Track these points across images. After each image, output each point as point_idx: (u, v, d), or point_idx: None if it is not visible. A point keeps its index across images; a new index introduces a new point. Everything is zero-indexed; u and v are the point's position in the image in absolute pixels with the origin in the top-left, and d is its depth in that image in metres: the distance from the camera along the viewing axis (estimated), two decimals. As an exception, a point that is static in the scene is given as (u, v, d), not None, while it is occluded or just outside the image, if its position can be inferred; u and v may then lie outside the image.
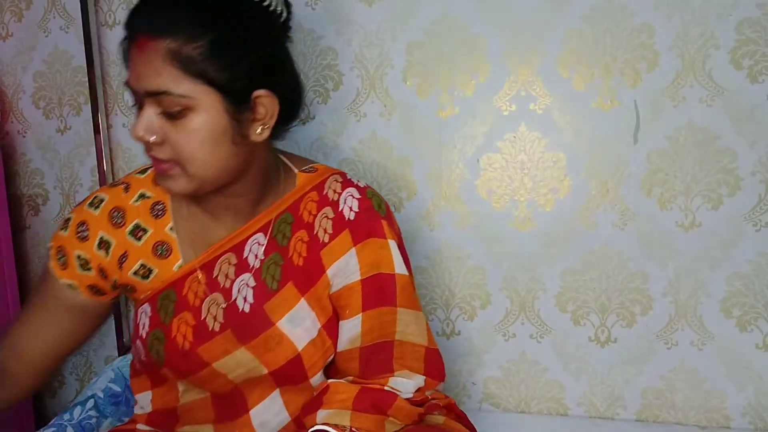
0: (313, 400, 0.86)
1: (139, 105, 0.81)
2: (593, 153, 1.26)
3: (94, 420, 1.20)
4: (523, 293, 1.33)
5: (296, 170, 0.96)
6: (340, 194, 0.94)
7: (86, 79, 1.45)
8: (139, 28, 0.77)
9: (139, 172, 0.95)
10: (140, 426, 0.99)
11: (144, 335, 0.91)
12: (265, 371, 0.89)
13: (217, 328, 0.89)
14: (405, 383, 0.87)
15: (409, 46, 1.30)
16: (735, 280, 1.24)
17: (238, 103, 0.80)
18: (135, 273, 0.91)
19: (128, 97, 1.47)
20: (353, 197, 0.94)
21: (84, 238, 0.90)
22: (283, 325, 0.89)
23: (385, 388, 0.86)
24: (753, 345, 1.25)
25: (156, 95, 0.77)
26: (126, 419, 1.16)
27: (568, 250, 1.30)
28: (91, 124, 1.46)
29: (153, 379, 0.97)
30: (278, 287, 0.90)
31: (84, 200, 0.93)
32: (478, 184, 1.31)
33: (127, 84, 0.80)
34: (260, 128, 0.83)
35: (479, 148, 1.30)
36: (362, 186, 0.97)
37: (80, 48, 1.46)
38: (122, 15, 1.44)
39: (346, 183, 0.96)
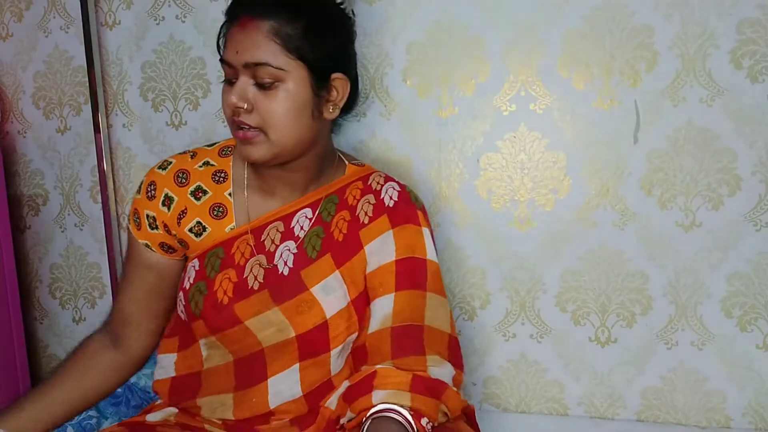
0: (359, 385, 0.87)
1: (229, 80, 0.91)
2: (593, 153, 1.26)
3: (94, 420, 1.20)
4: (523, 293, 1.33)
5: (347, 162, 1.07)
6: (382, 186, 1.05)
7: (86, 79, 1.45)
8: (244, 10, 0.89)
9: (206, 145, 1.05)
10: (150, 417, 1.01)
11: (188, 287, 0.98)
12: (293, 334, 0.95)
13: (256, 287, 0.96)
14: (442, 372, 0.89)
15: (409, 46, 1.30)
16: (735, 280, 1.24)
17: (320, 81, 0.92)
18: (190, 230, 0.99)
19: (129, 97, 1.47)
20: (394, 189, 1.05)
21: (152, 197, 0.99)
22: (317, 291, 0.97)
23: (432, 375, 0.87)
24: (753, 345, 1.25)
25: (255, 66, 0.87)
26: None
27: (568, 250, 1.30)
28: (91, 124, 1.46)
29: (182, 340, 1.03)
30: (317, 257, 0.99)
31: (155, 165, 1.02)
32: (477, 184, 1.31)
33: (223, 60, 0.91)
34: (332, 107, 0.95)
35: (479, 147, 1.30)
36: (402, 183, 1.07)
37: (80, 48, 1.46)
38: (122, 15, 1.44)
39: (388, 178, 1.07)
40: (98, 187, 1.51)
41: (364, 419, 0.82)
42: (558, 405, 1.36)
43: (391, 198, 1.03)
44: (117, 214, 1.50)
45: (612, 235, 1.27)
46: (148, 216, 0.99)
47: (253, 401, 0.97)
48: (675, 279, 1.26)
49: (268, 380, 0.97)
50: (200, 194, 0.99)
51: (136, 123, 1.48)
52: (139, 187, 1.01)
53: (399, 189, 1.05)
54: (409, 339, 0.92)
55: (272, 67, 0.88)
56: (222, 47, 0.93)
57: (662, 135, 1.23)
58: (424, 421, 0.80)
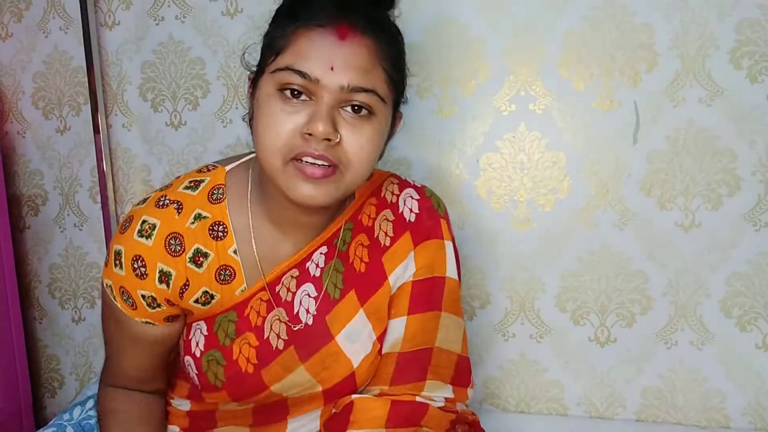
0: (337, 418, 0.84)
1: (289, 93, 0.73)
2: (593, 153, 1.26)
3: (93, 420, 1.20)
4: (523, 293, 1.33)
5: None
6: (398, 196, 0.92)
7: (86, 79, 1.45)
8: (341, 15, 0.72)
9: (186, 188, 0.84)
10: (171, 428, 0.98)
11: (198, 354, 0.85)
12: (320, 389, 0.87)
13: (281, 346, 0.85)
14: (435, 394, 0.87)
15: (409, 46, 1.29)
16: (735, 280, 1.24)
17: (394, 116, 0.81)
18: (196, 301, 0.84)
19: (129, 98, 1.47)
20: (412, 198, 0.92)
21: (143, 276, 0.80)
22: (341, 340, 0.86)
23: (417, 399, 0.85)
24: (753, 345, 1.25)
25: (358, 91, 0.72)
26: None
27: (567, 250, 1.30)
28: (91, 124, 1.46)
29: (193, 396, 0.95)
30: (340, 296, 0.87)
31: (128, 225, 0.82)
32: (477, 184, 1.31)
33: (291, 68, 0.72)
34: (387, 145, 0.83)
35: (479, 148, 1.30)
36: (419, 186, 0.95)
37: (80, 48, 1.46)
38: (122, 15, 1.44)
39: (403, 184, 0.94)
40: (98, 188, 1.50)
41: None
42: (558, 405, 1.36)
43: (411, 210, 0.91)
44: (116, 215, 1.50)
45: (612, 235, 1.27)
46: (144, 297, 0.82)
47: None
48: (675, 279, 1.26)
49: (288, 420, 0.91)
50: (201, 259, 0.82)
51: (136, 123, 1.48)
52: (116, 257, 0.81)
53: (418, 197, 0.92)
54: (413, 364, 0.87)
55: (378, 96, 0.74)
56: (277, 54, 0.74)
57: (662, 135, 1.23)
58: None
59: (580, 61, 1.24)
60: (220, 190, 0.84)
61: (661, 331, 1.28)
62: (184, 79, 1.43)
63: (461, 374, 0.90)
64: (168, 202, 0.82)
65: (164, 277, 0.81)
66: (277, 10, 0.80)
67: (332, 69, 0.71)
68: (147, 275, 0.80)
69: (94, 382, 1.34)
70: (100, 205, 1.51)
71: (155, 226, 0.80)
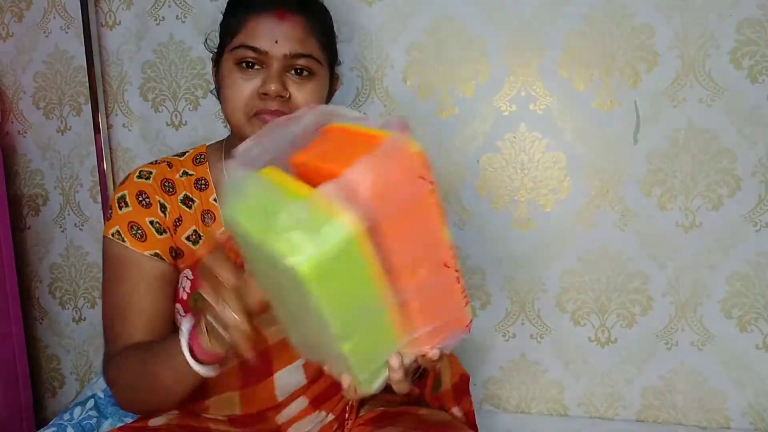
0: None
1: (246, 65, 0.90)
2: (593, 153, 1.26)
3: (94, 420, 1.20)
4: (523, 293, 1.33)
5: None
6: None
7: (86, 79, 1.45)
8: (277, 3, 0.91)
9: (174, 155, 1.02)
10: (152, 422, 0.99)
11: (185, 297, 0.94)
12: None
13: None
14: None
15: (409, 46, 1.30)
16: (735, 280, 1.24)
17: (331, 76, 0.98)
18: (187, 238, 0.95)
19: (129, 98, 1.47)
20: None
21: (148, 205, 0.93)
22: None
23: None
24: (753, 345, 1.25)
25: (298, 57, 0.90)
26: (127, 419, 1.15)
27: (568, 250, 1.30)
28: (91, 124, 1.46)
29: None
30: None
31: (127, 178, 0.96)
32: (477, 184, 1.31)
33: (245, 45, 0.90)
34: (330, 100, 0.99)
35: (479, 148, 1.30)
36: None
37: (80, 48, 1.46)
38: (122, 15, 1.44)
39: None
40: (98, 187, 1.51)
41: None
42: (558, 405, 1.36)
43: None
44: (117, 214, 1.50)
45: (612, 235, 1.27)
46: (152, 223, 0.93)
47: (260, 396, 0.97)
48: (675, 279, 1.26)
49: (274, 376, 0.97)
50: (189, 202, 0.96)
51: (136, 123, 1.48)
52: (121, 202, 0.93)
53: None
54: None
55: (314, 59, 0.92)
56: (233, 35, 0.92)
57: (662, 135, 1.23)
58: None
59: (580, 61, 1.24)
60: (202, 156, 1.01)
61: (662, 331, 1.28)
62: (184, 79, 1.43)
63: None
64: (160, 161, 0.99)
65: (163, 209, 0.94)
66: (229, 2, 0.98)
67: (276, 42, 0.89)
68: (151, 204, 0.93)
69: (94, 382, 1.34)
70: (100, 204, 1.51)
71: (151, 173, 0.96)
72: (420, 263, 0.61)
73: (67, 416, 1.20)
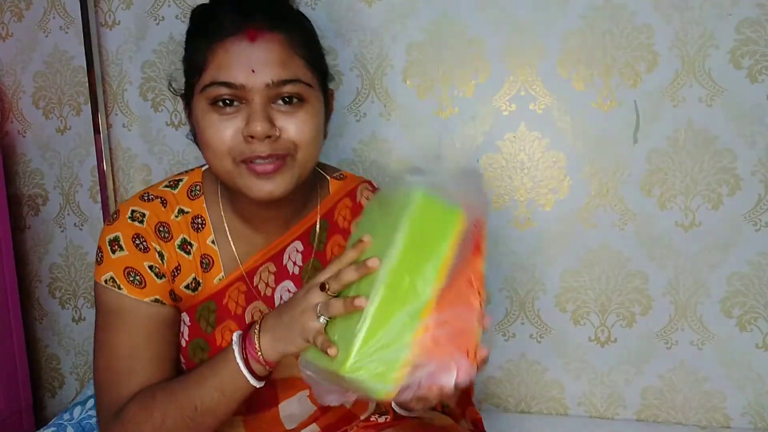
0: None
1: (223, 103, 0.77)
2: (593, 153, 1.26)
3: (94, 420, 1.20)
4: (523, 293, 1.33)
5: (328, 177, 0.97)
6: None
7: (86, 79, 1.45)
8: (245, 20, 0.77)
9: (167, 186, 0.90)
10: None
11: (183, 344, 0.88)
12: None
13: None
14: None
15: (409, 46, 1.30)
16: (735, 280, 1.24)
17: (325, 96, 0.85)
18: (186, 287, 0.87)
19: (129, 97, 1.47)
20: None
21: (146, 249, 0.84)
22: None
23: None
24: (753, 345, 1.25)
25: (282, 84, 0.77)
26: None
27: (567, 250, 1.30)
28: (91, 124, 1.46)
29: None
30: None
31: (117, 217, 0.85)
32: (478, 184, 1.31)
33: (216, 82, 0.77)
34: (328, 123, 0.88)
35: (479, 148, 1.30)
36: None
37: (80, 48, 1.46)
38: (122, 15, 1.44)
39: (376, 191, 0.99)
40: (98, 187, 1.51)
41: None
42: (558, 405, 1.36)
43: None
44: (117, 214, 1.50)
45: (612, 235, 1.27)
46: (151, 267, 0.84)
47: (265, 424, 0.91)
48: (675, 279, 1.26)
49: (279, 405, 0.91)
50: (188, 247, 0.86)
51: (136, 123, 1.48)
52: (112, 246, 0.83)
53: None
54: None
55: (302, 82, 0.78)
56: (200, 72, 0.78)
57: (662, 135, 1.23)
58: None
59: (580, 61, 1.24)
60: (197, 188, 0.90)
61: (661, 331, 1.28)
62: (184, 79, 1.43)
63: None
64: (152, 197, 0.87)
65: (160, 256, 0.85)
66: (188, 32, 0.84)
67: (253, 71, 0.75)
68: (149, 249, 0.84)
69: (94, 382, 1.34)
70: (100, 204, 1.51)
71: (145, 215, 0.85)
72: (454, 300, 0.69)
73: (66, 416, 1.20)
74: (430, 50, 1.29)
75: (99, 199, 1.51)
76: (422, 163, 0.77)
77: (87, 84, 1.46)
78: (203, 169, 0.93)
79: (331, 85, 0.90)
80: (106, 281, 0.83)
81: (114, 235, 0.84)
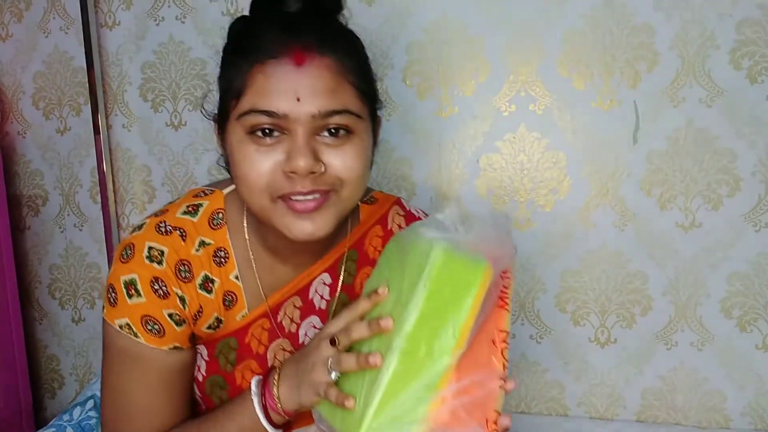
0: None
1: (261, 133, 0.69)
2: (593, 153, 1.26)
3: (93, 420, 1.20)
4: (523, 293, 1.33)
5: (359, 202, 0.87)
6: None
7: (86, 79, 1.45)
8: (291, 39, 0.68)
9: (185, 213, 0.81)
10: None
11: (201, 378, 0.83)
12: None
13: None
14: None
15: (409, 46, 1.30)
16: (735, 280, 1.24)
17: (373, 124, 0.77)
18: (208, 327, 0.81)
19: (129, 98, 1.47)
20: None
21: (165, 295, 0.76)
22: None
23: None
24: (753, 345, 1.25)
25: (329, 115, 0.69)
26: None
27: (567, 250, 1.30)
28: (91, 124, 1.46)
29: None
30: None
31: (131, 253, 0.77)
32: (477, 184, 1.31)
33: (255, 110, 0.68)
34: (375, 150, 0.79)
35: (479, 148, 1.30)
36: (425, 215, 0.94)
37: (80, 49, 1.46)
38: (122, 15, 1.44)
39: (409, 216, 0.92)
40: (98, 188, 1.50)
41: None
42: (558, 405, 1.36)
43: None
44: (116, 215, 1.50)
45: (612, 235, 1.27)
46: (171, 316, 0.77)
47: None
48: (675, 279, 1.26)
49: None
50: (210, 285, 0.79)
51: (136, 124, 1.48)
52: (128, 289, 0.76)
53: None
54: None
55: (352, 113, 0.70)
56: (238, 97, 0.70)
57: (662, 135, 1.23)
58: None
59: (580, 61, 1.24)
60: (220, 215, 0.81)
61: (661, 331, 1.28)
62: (184, 80, 1.43)
63: None
64: (170, 228, 0.78)
65: (181, 300, 0.78)
66: (225, 51, 0.76)
67: (298, 100, 0.67)
68: (169, 295, 0.76)
69: (93, 383, 1.34)
70: (100, 205, 1.51)
71: (164, 253, 0.77)
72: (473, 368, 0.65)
73: (66, 417, 1.20)
74: (430, 50, 1.29)
75: (99, 199, 1.51)
76: (447, 207, 0.69)
77: (87, 84, 1.46)
78: (225, 192, 0.83)
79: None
80: (120, 326, 0.76)
81: (130, 277, 0.75)
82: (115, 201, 1.50)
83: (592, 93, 1.24)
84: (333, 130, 0.70)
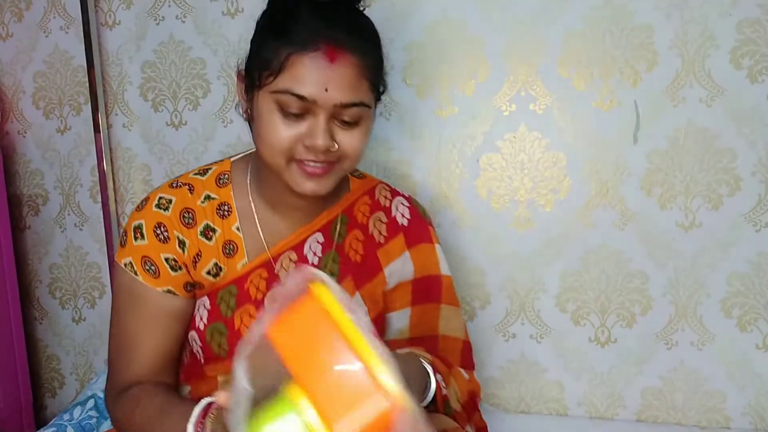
0: None
1: (290, 113, 0.81)
2: (593, 153, 1.26)
3: (94, 420, 1.20)
4: (523, 293, 1.33)
5: (349, 175, 1.03)
6: (391, 201, 1.04)
7: (86, 79, 1.45)
8: (325, 37, 0.79)
9: (196, 174, 0.96)
10: None
11: (202, 327, 0.92)
12: None
13: None
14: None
15: (409, 46, 1.30)
16: (735, 280, 1.24)
17: (375, 106, 0.90)
18: (208, 272, 0.92)
19: (129, 97, 1.47)
20: (403, 205, 1.05)
21: (165, 240, 0.89)
22: None
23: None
24: (753, 345, 1.25)
25: (348, 107, 0.82)
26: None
27: (567, 250, 1.30)
28: (91, 124, 1.46)
29: (194, 375, 0.96)
30: (337, 281, 0.90)
31: (145, 204, 0.91)
32: (477, 184, 1.31)
33: (291, 92, 0.80)
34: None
35: (479, 148, 1.30)
36: (406, 195, 1.07)
37: (80, 48, 1.46)
38: (122, 15, 1.44)
39: (394, 192, 1.06)
40: (98, 187, 1.51)
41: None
42: (558, 405, 1.36)
43: (403, 216, 1.03)
44: (117, 214, 1.50)
45: (612, 235, 1.27)
46: (167, 260, 0.89)
47: None
48: (675, 279, 1.26)
49: None
50: (210, 233, 0.92)
51: (136, 123, 1.48)
52: (135, 233, 0.89)
53: (408, 205, 1.05)
54: (423, 347, 0.96)
55: (365, 106, 0.84)
56: (276, 74, 0.81)
57: (662, 135, 1.23)
58: (438, 376, 0.86)
59: (580, 61, 1.24)
60: (226, 176, 0.95)
61: (662, 331, 1.28)
62: (184, 79, 1.43)
63: (466, 357, 1.03)
64: (181, 184, 0.93)
65: (180, 243, 0.90)
66: (262, 24, 0.86)
67: (326, 90, 0.80)
68: (169, 239, 0.89)
69: (94, 382, 1.34)
70: (100, 204, 1.51)
71: (171, 201, 0.91)
72: None
73: (66, 416, 1.20)
74: (430, 50, 1.29)
75: (99, 199, 1.51)
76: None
77: (87, 84, 1.46)
78: (232, 160, 0.98)
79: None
80: (125, 264, 0.89)
81: (138, 222, 0.90)
82: (116, 200, 1.50)
83: (592, 93, 1.24)
84: (347, 117, 0.83)
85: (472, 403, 0.98)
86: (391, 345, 0.94)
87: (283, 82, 0.81)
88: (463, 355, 1.02)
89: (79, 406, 1.23)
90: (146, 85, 1.46)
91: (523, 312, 1.34)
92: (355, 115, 0.83)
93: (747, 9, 1.16)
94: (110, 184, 1.48)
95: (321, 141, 0.81)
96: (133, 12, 1.43)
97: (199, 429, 0.75)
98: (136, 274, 0.89)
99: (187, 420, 0.76)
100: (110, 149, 1.49)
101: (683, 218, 1.24)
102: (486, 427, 1.02)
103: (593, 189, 1.27)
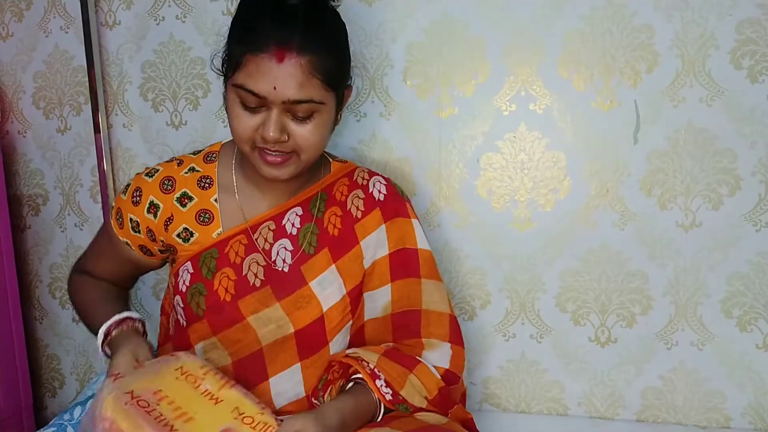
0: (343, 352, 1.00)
1: (250, 107, 0.91)
2: (593, 153, 1.26)
3: (94, 420, 1.20)
4: (523, 293, 1.33)
5: (330, 159, 1.12)
6: (368, 180, 1.10)
7: (86, 79, 1.46)
8: (275, 41, 0.87)
9: (190, 153, 1.09)
10: None
11: (184, 289, 1.00)
12: (292, 330, 0.99)
13: (258, 284, 1.00)
14: (434, 356, 1.00)
15: (409, 46, 1.30)
16: (735, 280, 1.24)
17: (340, 99, 0.97)
18: (177, 235, 1.02)
19: (129, 97, 1.47)
20: (381, 183, 1.10)
21: (137, 203, 1.03)
22: (314, 286, 1.01)
23: (418, 358, 0.98)
24: (753, 345, 1.25)
25: (296, 103, 0.89)
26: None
27: (568, 250, 1.30)
28: (91, 124, 1.46)
29: (176, 347, 1.03)
30: (314, 252, 1.03)
31: (142, 171, 1.06)
32: (477, 184, 1.31)
33: (244, 88, 0.89)
34: (341, 115, 1.01)
35: (479, 148, 1.30)
36: (385, 177, 1.13)
37: (80, 48, 1.46)
38: (122, 15, 1.44)
39: (372, 173, 1.13)
40: (98, 187, 1.51)
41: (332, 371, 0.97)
42: (558, 405, 1.36)
43: (380, 192, 1.09)
44: (117, 214, 1.50)
45: (612, 235, 1.27)
46: (131, 219, 1.04)
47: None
48: (675, 279, 1.26)
49: (270, 380, 0.99)
50: (186, 201, 1.02)
51: (136, 123, 1.48)
52: (125, 188, 1.06)
53: (385, 183, 1.11)
54: (408, 322, 1.02)
55: (315, 102, 0.90)
56: (234, 70, 0.91)
57: (662, 135, 1.23)
58: (379, 382, 0.91)
59: (580, 61, 1.24)
60: (214, 155, 1.07)
61: (662, 331, 1.28)
62: (184, 79, 1.43)
63: (455, 333, 1.05)
64: (175, 159, 1.07)
65: (153, 208, 1.02)
66: (233, 23, 0.95)
67: (275, 88, 0.88)
68: (140, 204, 1.03)
69: (94, 382, 1.34)
70: (100, 204, 1.51)
71: (158, 171, 1.04)
72: None
73: (67, 416, 1.20)
74: (430, 50, 1.29)
75: (99, 199, 1.51)
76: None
77: (87, 84, 1.46)
78: (223, 142, 1.09)
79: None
80: (111, 208, 1.08)
81: (130, 183, 1.05)
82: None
83: (592, 93, 1.24)
84: (299, 113, 0.90)
85: (444, 398, 0.97)
86: (374, 322, 1.03)
87: (240, 78, 0.89)
88: (451, 330, 1.05)
89: (79, 406, 1.23)
90: (146, 85, 1.46)
91: (523, 312, 1.34)
92: (307, 110, 0.90)
93: (747, 9, 1.16)
94: (110, 184, 1.48)
95: (271, 133, 0.89)
96: (133, 12, 1.43)
97: (110, 330, 0.99)
98: (111, 218, 1.07)
99: (107, 320, 0.99)
100: (110, 149, 1.49)
101: (683, 218, 1.24)
102: (472, 419, 1.01)
103: (593, 189, 1.27)
